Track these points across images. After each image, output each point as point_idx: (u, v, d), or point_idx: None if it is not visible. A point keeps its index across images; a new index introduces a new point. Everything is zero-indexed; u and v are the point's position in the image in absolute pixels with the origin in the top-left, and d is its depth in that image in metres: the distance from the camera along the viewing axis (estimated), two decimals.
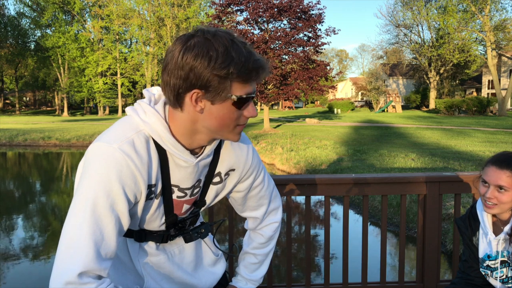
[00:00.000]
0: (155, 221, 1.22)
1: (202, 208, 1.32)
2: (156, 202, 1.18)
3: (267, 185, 1.42)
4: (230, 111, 1.08)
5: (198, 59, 1.02)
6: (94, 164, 1.05)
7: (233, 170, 1.30)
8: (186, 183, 1.21)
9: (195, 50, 1.02)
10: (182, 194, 1.22)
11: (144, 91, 1.20)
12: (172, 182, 1.18)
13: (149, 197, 1.15)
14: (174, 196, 1.21)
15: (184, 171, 1.18)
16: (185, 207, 1.26)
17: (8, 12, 63.59)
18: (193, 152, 1.18)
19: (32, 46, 60.40)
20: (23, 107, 70.24)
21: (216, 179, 1.28)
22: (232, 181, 1.32)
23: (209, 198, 1.30)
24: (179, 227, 1.27)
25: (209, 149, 1.20)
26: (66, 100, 57.86)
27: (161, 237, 1.26)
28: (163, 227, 1.24)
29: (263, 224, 1.48)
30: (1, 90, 66.10)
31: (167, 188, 1.18)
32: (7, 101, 70.25)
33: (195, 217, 1.32)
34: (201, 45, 1.02)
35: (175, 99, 1.08)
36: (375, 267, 2.71)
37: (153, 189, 1.14)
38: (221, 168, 1.27)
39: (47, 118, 42.33)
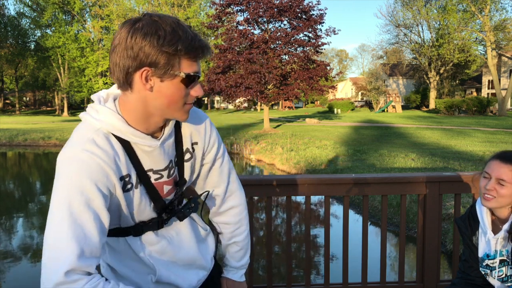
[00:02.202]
0: (145, 210, 1.24)
1: (185, 186, 1.36)
2: (137, 191, 1.20)
3: (227, 161, 1.46)
4: (179, 89, 1.13)
5: (147, 38, 1.06)
6: (62, 170, 1.09)
7: (196, 143, 1.35)
8: (159, 165, 1.24)
9: (143, 30, 1.07)
10: (159, 176, 1.25)
11: (92, 96, 1.23)
12: (146, 168, 1.21)
13: (126, 189, 1.17)
14: (152, 180, 1.24)
15: (152, 155, 1.21)
16: (166, 188, 1.29)
17: (8, 12, 63.60)
18: (154, 136, 1.22)
19: (32, 46, 60.37)
20: (23, 107, 70.24)
21: (187, 156, 1.33)
22: (199, 154, 1.37)
23: (187, 175, 1.35)
24: (169, 209, 1.30)
25: (168, 129, 1.24)
26: (66, 100, 57.87)
27: (156, 224, 1.28)
28: (154, 214, 1.27)
29: (224, 208, 1.49)
30: (1, 90, 66.09)
31: (142, 175, 1.21)
32: (7, 101, 70.25)
33: (181, 197, 1.37)
34: (149, 26, 1.08)
35: (125, 79, 1.12)
36: (375, 267, 2.71)
37: (127, 179, 1.17)
38: (186, 144, 1.33)
39: (47, 118, 42.31)
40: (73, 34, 54.82)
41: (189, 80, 1.13)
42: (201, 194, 1.44)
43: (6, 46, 56.86)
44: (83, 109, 63.23)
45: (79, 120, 1.21)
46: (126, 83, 1.13)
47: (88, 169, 1.07)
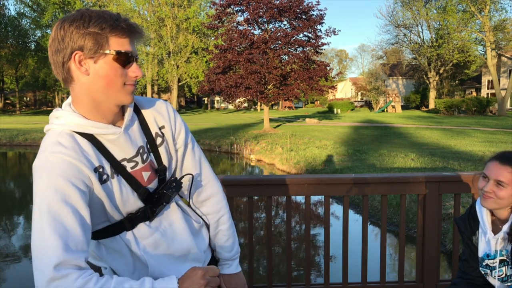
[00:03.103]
0: (128, 200, 1.24)
1: (167, 173, 1.35)
2: (115, 182, 1.21)
3: (197, 147, 1.47)
4: (113, 68, 1.15)
5: (73, 24, 1.12)
6: (36, 176, 1.12)
7: (163, 127, 1.36)
8: (129, 153, 1.25)
9: (70, 18, 1.13)
10: (133, 164, 1.26)
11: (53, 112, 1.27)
12: (118, 158, 1.22)
13: (102, 180, 1.18)
14: (128, 170, 1.24)
15: (119, 143, 1.23)
16: (146, 175, 1.29)
17: (8, 12, 63.51)
18: (116, 125, 1.24)
19: (33, 46, 60.37)
20: (23, 107, 70.22)
21: (159, 140, 1.34)
22: (169, 137, 1.37)
23: (165, 160, 1.34)
24: (156, 198, 1.30)
25: (128, 114, 1.25)
26: (66, 100, 57.86)
27: (145, 214, 1.28)
28: (141, 204, 1.27)
29: (202, 197, 1.48)
30: (1, 90, 66.09)
31: (116, 165, 1.22)
32: (8, 101, 70.23)
33: (165, 185, 1.36)
34: (75, 15, 1.13)
35: (64, 72, 1.16)
36: (375, 267, 2.72)
37: (101, 170, 1.18)
38: (154, 128, 1.33)
39: (48, 118, 42.09)
40: None
41: (123, 59, 1.15)
42: (182, 177, 1.40)
43: (7, 46, 56.84)
44: None
45: None
46: (67, 76, 1.16)
47: (58, 167, 1.10)
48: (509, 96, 35.35)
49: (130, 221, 1.27)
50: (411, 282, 2.66)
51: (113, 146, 1.22)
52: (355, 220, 7.15)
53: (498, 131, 19.53)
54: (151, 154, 1.31)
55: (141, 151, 1.28)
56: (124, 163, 1.23)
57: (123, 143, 1.23)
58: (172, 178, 1.36)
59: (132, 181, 1.24)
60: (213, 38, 37.38)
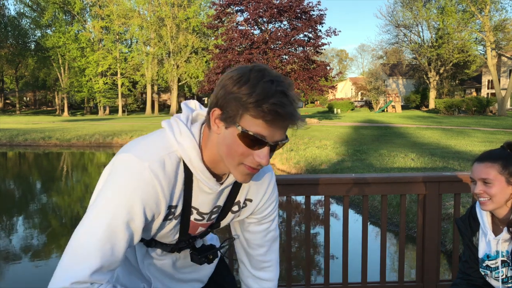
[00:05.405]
0: (169, 237, 1.22)
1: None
2: (174, 222, 1.18)
3: (274, 228, 1.39)
4: (236, 143, 1.03)
5: (231, 79, 1.03)
6: (120, 177, 1.05)
7: (251, 200, 1.29)
8: (206, 208, 1.20)
9: (234, 71, 1.04)
10: (200, 218, 1.22)
11: (182, 105, 1.19)
12: (193, 204, 1.18)
13: (168, 218, 1.15)
14: (191, 218, 1.20)
15: (206, 197, 1.17)
16: (200, 229, 1.27)
17: (8, 12, 63.60)
18: (218, 177, 1.17)
19: (32, 46, 60.41)
20: (23, 107, 70.21)
21: (235, 208, 1.28)
22: (247, 211, 1.31)
23: (224, 223, 1.31)
24: (189, 241, 1.28)
25: (232, 177, 1.18)
26: (66, 100, 57.88)
27: (170, 248, 1.26)
28: (174, 242, 1.25)
29: (257, 275, 1.42)
30: (1, 90, 66.09)
31: (186, 210, 1.17)
32: (8, 101, 70.24)
33: (206, 233, 1.34)
34: (242, 70, 1.03)
35: (208, 114, 1.08)
36: (375, 267, 2.71)
37: (173, 210, 1.14)
38: (240, 197, 1.27)
39: (48, 118, 42.31)
40: (73, 34, 54.86)
41: (247, 141, 1.02)
42: (223, 245, 1.37)
43: (7, 46, 56.89)
44: (83, 109, 63.28)
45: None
46: (208, 119, 1.09)
47: (144, 190, 1.04)
48: (509, 96, 35.33)
49: (155, 243, 1.25)
50: (411, 282, 2.65)
51: (199, 194, 1.17)
52: (355, 220, 7.15)
53: (498, 131, 19.52)
54: (218, 214, 1.27)
55: (214, 210, 1.23)
56: (193, 210, 1.20)
57: (209, 199, 1.19)
58: (213, 247, 1.33)
59: (185, 227, 1.22)
60: (213, 38, 37.38)
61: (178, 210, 1.15)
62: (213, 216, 1.25)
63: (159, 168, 1.05)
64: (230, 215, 1.29)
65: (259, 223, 1.35)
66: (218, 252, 1.35)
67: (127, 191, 1.03)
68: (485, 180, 1.62)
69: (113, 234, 1.02)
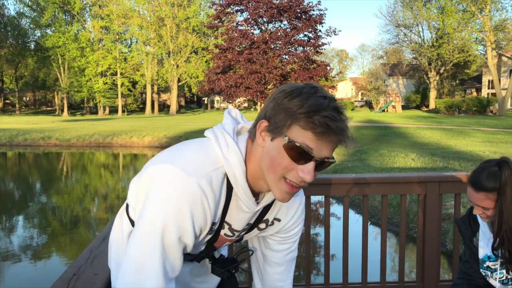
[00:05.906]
0: (195, 249, 1.20)
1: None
2: (206, 236, 1.17)
3: (295, 249, 1.38)
4: (281, 155, 0.99)
5: (283, 92, 1.01)
6: (167, 191, 1.00)
7: (279, 220, 1.27)
8: (239, 226, 1.18)
9: (287, 86, 1.03)
10: (231, 234, 1.20)
11: (225, 114, 1.16)
12: (226, 219, 1.15)
13: (208, 233, 1.13)
14: (222, 233, 1.19)
15: (243, 215, 1.15)
16: (226, 244, 1.26)
17: (8, 12, 63.62)
18: (255, 195, 1.14)
19: (32, 46, 60.40)
20: (23, 107, 70.23)
21: (262, 225, 1.26)
22: (273, 230, 1.30)
23: (246, 237, 1.30)
24: (210, 256, 1.29)
25: (269, 196, 1.15)
26: (66, 100, 57.89)
27: (191, 257, 1.25)
28: (197, 252, 1.24)
29: None
30: (1, 90, 66.08)
31: (220, 226, 1.15)
32: (7, 101, 70.25)
33: (225, 261, 1.34)
34: (294, 85, 1.02)
35: (253, 127, 1.07)
36: (375, 267, 2.71)
37: (213, 226, 1.12)
38: (270, 215, 1.25)
39: (47, 118, 42.33)
40: (73, 34, 54.86)
41: (292, 153, 0.98)
42: (240, 261, 1.35)
43: (6, 46, 56.89)
44: (83, 109, 63.29)
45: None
46: (253, 131, 1.07)
47: (193, 206, 1.01)
48: (510, 96, 35.33)
49: None
50: (411, 282, 2.65)
51: (235, 211, 1.14)
52: (355, 220, 7.14)
53: (499, 131, 19.52)
54: (245, 230, 1.25)
55: (245, 227, 1.21)
56: (226, 225, 1.17)
57: (243, 216, 1.16)
58: (235, 261, 1.32)
59: (213, 241, 1.20)
60: (213, 38, 37.36)
61: (216, 225, 1.13)
62: (242, 234, 1.24)
63: (207, 185, 1.02)
64: (255, 231, 1.27)
65: (282, 242, 1.33)
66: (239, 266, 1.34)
67: (176, 206, 1.00)
68: (483, 207, 1.64)
69: (169, 249, 1.02)
